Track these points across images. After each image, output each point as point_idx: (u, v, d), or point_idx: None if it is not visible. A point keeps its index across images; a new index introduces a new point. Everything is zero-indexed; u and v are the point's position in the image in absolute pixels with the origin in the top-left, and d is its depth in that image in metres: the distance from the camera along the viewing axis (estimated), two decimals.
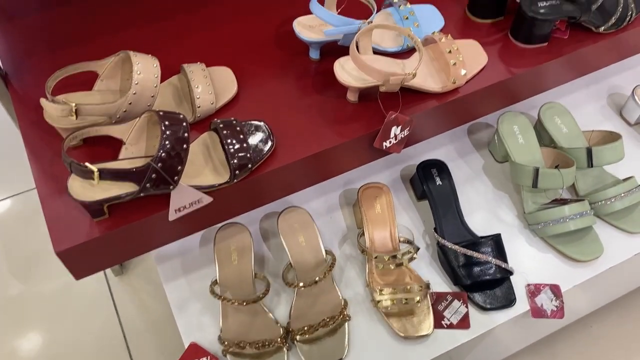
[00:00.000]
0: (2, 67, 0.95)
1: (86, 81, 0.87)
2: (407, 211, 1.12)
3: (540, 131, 1.17)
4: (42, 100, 0.78)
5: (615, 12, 1.02)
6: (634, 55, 1.17)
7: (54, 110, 0.78)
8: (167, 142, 0.74)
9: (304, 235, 1.00)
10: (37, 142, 0.87)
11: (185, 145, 0.76)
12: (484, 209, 1.13)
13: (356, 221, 1.10)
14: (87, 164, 0.72)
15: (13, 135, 1.10)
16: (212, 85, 0.90)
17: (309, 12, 0.94)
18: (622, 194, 1.07)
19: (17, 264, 1.47)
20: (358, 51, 0.92)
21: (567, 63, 1.05)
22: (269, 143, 0.87)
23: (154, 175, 0.74)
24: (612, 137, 1.12)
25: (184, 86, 0.92)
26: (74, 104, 0.77)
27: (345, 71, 0.90)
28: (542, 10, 0.98)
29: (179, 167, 0.76)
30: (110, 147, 0.84)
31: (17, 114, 0.91)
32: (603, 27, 1.03)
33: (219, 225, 1.04)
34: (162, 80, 0.87)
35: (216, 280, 0.98)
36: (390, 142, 0.94)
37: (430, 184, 1.09)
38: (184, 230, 0.89)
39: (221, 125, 0.84)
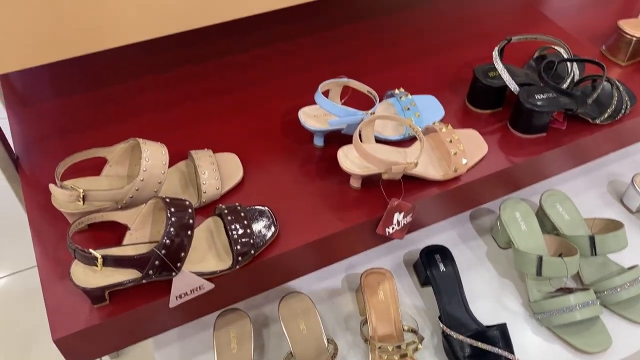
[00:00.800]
0: (14, 150, 0.98)
1: (96, 165, 0.89)
2: (410, 297, 1.11)
3: (542, 218, 1.18)
4: (51, 186, 0.80)
5: (610, 105, 1.05)
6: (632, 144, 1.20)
7: (61, 196, 0.79)
8: (171, 229, 0.75)
9: (305, 322, 0.98)
10: (43, 226, 0.88)
11: (189, 232, 0.77)
12: (488, 296, 1.11)
13: (359, 308, 1.08)
14: (91, 250, 0.72)
15: (15, 213, 1.12)
16: (218, 171, 0.92)
17: (313, 102, 0.97)
18: (627, 284, 1.06)
19: (13, 346, 1.43)
20: (361, 140, 0.95)
21: (565, 153, 1.07)
22: (272, 229, 0.87)
23: (157, 262, 0.74)
24: (614, 225, 1.12)
25: (191, 172, 0.94)
26: (81, 190, 0.79)
27: (349, 159, 0.92)
28: (539, 103, 1.01)
29: (182, 254, 0.77)
30: (115, 231, 0.84)
31: (25, 196, 0.92)
32: (599, 119, 1.06)
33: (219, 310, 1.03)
34: (169, 166, 0.89)
35: None
36: (393, 228, 0.94)
37: (434, 270, 1.08)
38: (184, 317, 0.88)
39: (226, 211, 0.85)
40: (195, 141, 1.01)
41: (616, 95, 1.06)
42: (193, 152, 0.94)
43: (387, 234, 0.94)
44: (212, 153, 0.95)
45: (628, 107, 1.08)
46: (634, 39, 1.18)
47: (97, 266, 0.72)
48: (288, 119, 1.07)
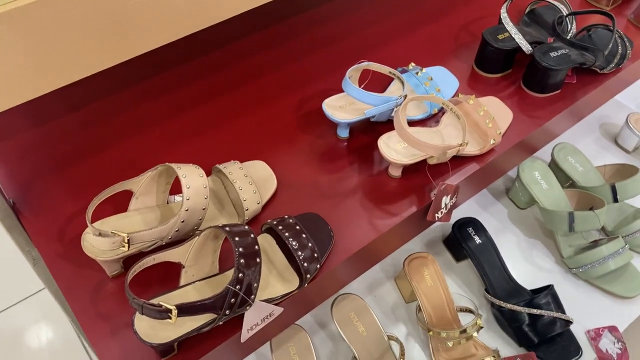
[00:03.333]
0: (6, 196, 0.85)
1: (113, 200, 0.78)
2: (448, 275, 1.09)
3: (556, 172, 1.18)
4: (87, 235, 0.69)
5: (616, 53, 1.05)
6: None
7: (103, 244, 0.69)
8: (242, 260, 0.67)
9: (363, 324, 0.94)
10: (72, 278, 0.77)
11: (258, 259, 0.69)
12: (521, 259, 1.12)
13: (403, 295, 1.05)
14: (162, 303, 0.63)
15: None
16: (254, 183, 0.83)
17: (321, 91, 0.90)
18: None
19: None
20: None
21: (579, 107, 1.07)
22: (329, 235, 0.81)
23: (232, 300, 0.67)
24: (626, 169, 1.15)
25: (219, 189, 0.85)
26: (125, 235, 0.69)
27: (392, 149, 0.87)
28: (555, 61, 1.00)
29: (255, 285, 0.69)
30: (158, 270, 0.75)
31: (38, 247, 0.80)
32: (607, 68, 1.06)
33: None
34: None
35: None
36: (441, 212, 0.90)
37: (470, 243, 1.06)
38: (251, 347, 0.81)
39: (280, 227, 0.78)
40: (211, 153, 0.92)
41: (620, 42, 1.06)
42: (221, 166, 0.85)
43: (436, 219, 0.90)
44: (241, 164, 0.86)
45: (629, 51, 1.08)
46: None
47: (170, 319, 0.64)
48: (302, 113, 1.00)
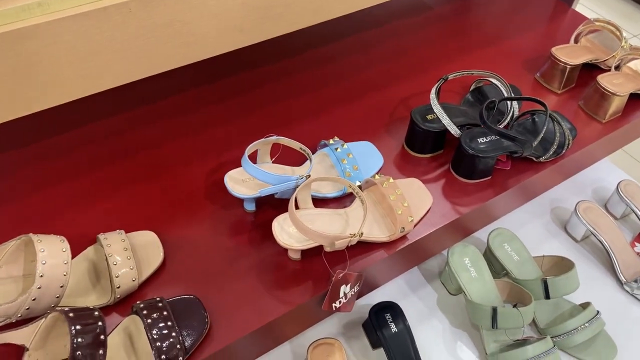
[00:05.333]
0: None
1: None
2: None
3: (491, 259, 1.12)
4: None
5: (554, 141, 1.00)
6: None
7: None
8: (78, 353, 0.62)
9: None
10: None
11: (101, 351, 0.64)
12: (442, 351, 1.04)
13: None
14: None
15: None
16: (133, 257, 0.78)
17: (239, 160, 0.86)
18: (582, 325, 1.02)
19: None
20: (297, 205, 0.85)
21: (513, 194, 1.02)
22: (203, 323, 0.75)
23: None
24: (564, 263, 1.08)
25: (101, 258, 0.80)
26: None
27: (285, 232, 0.82)
28: (482, 147, 0.95)
29: None
30: (8, 350, 0.70)
31: None
32: (544, 157, 1.01)
33: None
34: (74, 255, 0.76)
35: None
36: (340, 302, 0.85)
37: (385, 331, 0.99)
38: None
39: (144, 311, 0.73)
40: (103, 219, 0.88)
41: (558, 131, 1.01)
42: (101, 235, 0.80)
43: (334, 309, 0.84)
44: (125, 234, 0.81)
45: (570, 141, 1.03)
46: (568, 66, 1.15)
47: None
48: (212, 180, 0.95)
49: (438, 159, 1.02)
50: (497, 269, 1.12)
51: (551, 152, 1.01)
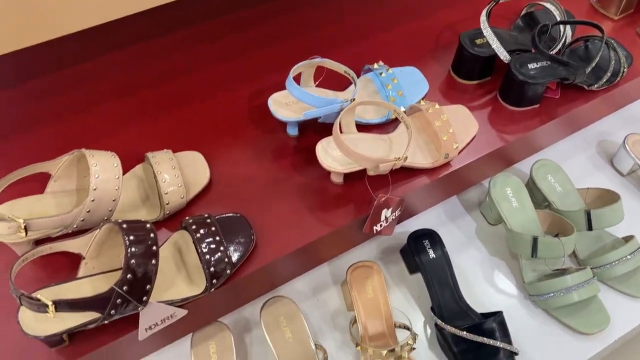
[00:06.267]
0: None
1: (36, 179, 0.76)
2: (399, 286, 1.04)
3: (533, 190, 1.10)
4: None
5: (607, 69, 0.96)
6: None
7: (1, 228, 0.67)
8: (132, 261, 0.65)
9: (290, 329, 0.91)
10: None
11: (154, 261, 0.67)
12: (480, 279, 1.05)
13: (346, 303, 1.01)
14: (39, 296, 0.61)
15: None
16: (181, 176, 0.80)
17: (282, 83, 0.86)
18: (624, 258, 1.01)
19: None
20: (341, 130, 0.85)
21: (560, 124, 0.99)
22: (249, 240, 0.78)
23: (119, 301, 0.65)
24: (609, 196, 1.06)
25: (150, 176, 0.82)
26: (21, 221, 0.67)
27: (329, 155, 0.82)
28: (532, 73, 0.92)
29: (148, 287, 0.67)
30: (67, 259, 0.73)
31: None
32: (596, 85, 0.97)
33: None
34: (124, 172, 0.78)
35: None
36: (381, 225, 0.86)
37: (423, 257, 1.00)
38: (157, 344, 0.79)
39: (194, 226, 0.75)
40: (151, 139, 0.89)
41: (613, 58, 0.97)
42: (150, 154, 0.82)
43: (375, 232, 0.85)
44: (172, 153, 0.83)
45: (625, 69, 0.99)
46: None
47: (49, 313, 0.62)
48: (256, 104, 0.95)
49: (485, 86, 1.00)
50: (538, 200, 1.11)
51: (604, 80, 0.97)
